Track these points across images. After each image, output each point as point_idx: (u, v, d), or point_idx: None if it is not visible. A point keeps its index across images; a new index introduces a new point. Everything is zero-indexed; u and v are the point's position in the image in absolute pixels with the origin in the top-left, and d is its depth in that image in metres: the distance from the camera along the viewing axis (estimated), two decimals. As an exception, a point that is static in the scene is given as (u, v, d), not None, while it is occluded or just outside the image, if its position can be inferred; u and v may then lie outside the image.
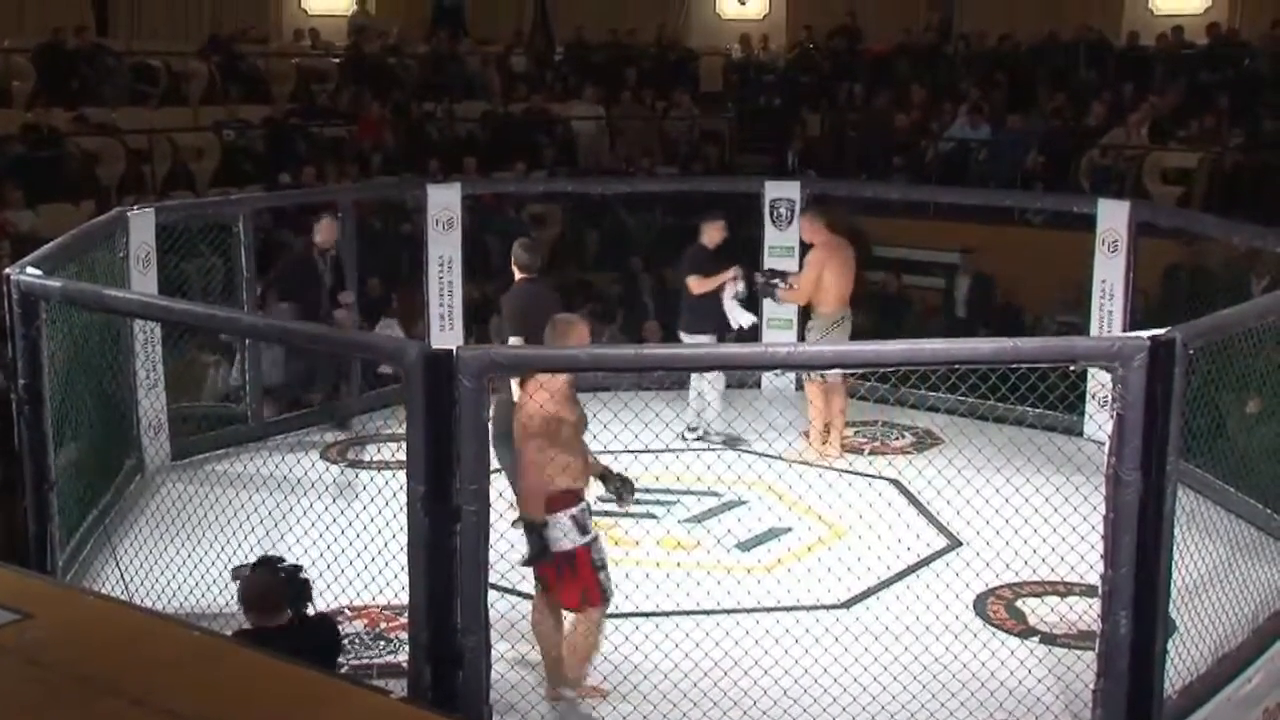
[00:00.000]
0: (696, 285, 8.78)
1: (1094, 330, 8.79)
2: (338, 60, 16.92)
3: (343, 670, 5.53)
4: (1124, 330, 8.37)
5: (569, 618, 5.59)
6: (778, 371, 9.25)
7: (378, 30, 17.97)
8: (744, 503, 7.81)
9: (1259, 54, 15.43)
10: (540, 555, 5.37)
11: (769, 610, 6.32)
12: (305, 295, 8.87)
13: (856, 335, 8.74)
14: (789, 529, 7.47)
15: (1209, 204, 12.55)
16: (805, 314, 8.92)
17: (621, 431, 5.43)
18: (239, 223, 8.79)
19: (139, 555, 6.30)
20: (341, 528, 5.80)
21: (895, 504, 7.74)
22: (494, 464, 4.98)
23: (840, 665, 5.52)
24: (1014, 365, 5.64)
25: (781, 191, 10.00)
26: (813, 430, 8.68)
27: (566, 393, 5.50)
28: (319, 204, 11.80)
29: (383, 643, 6.04)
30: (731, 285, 8.75)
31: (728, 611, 6.23)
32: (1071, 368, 7.75)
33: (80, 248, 7.06)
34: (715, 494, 7.88)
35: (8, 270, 6.09)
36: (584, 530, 5.38)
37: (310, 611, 4.98)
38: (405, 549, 4.74)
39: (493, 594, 4.83)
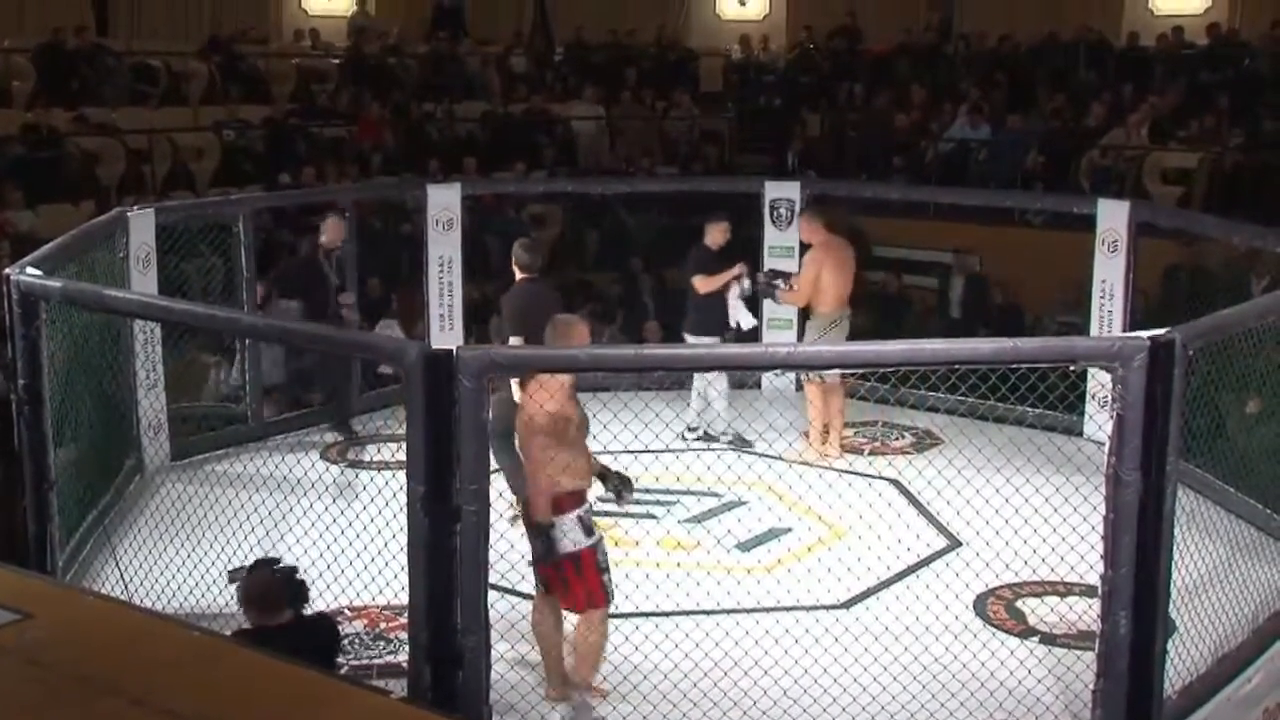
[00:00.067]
0: (702, 285, 8.78)
1: (1094, 330, 8.79)
2: (338, 61, 16.92)
3: (343, 670, 5.53)
4: (1124, 330, 8.37)
5: (570, 619, 5.58)
6: (777, 372, 9.25)
7: (378, 30, 17.97)
8: (744, 503, 7.81)
9: (1259, 54, 15.44)
10: (547, 557, 5.36)
11: (769, 610, 6.32)
12: (311, 295, 8.86)
13: (856, 335, 8.75)
14: (789, 529, 7.47)
15: (1209, 204, 12.55)
16: (805, 314, 8.92)
17: (621, 432, 5.43)
18: (239, 223, 8.79)
19: (139, 555, 6.30)
20: (341, 528, 5.80)
21: (895, 504, 7.75)
22: (492, 464, 4.98)
23: (840, 665, 5.52)
24: (1014, 365, 5.65)
25: (781, 192, 10.00)
26: (812, 431, 8.68)
27: (568, 392, 5.50)
28: (319, 204, 11.88)
29: (382, 643, 6.04)
30: (736, 285, 8.75)
31: (728, 612, 6.23)
32: (1071, 368, 7.75)
33: (80, 248, 7.06)
34: (715, 494, 7.88)
35: (7, 270, 6.08)
36: (589, 531, 5.38)
37: (307, 612, 4.98)
38: (405, 549, 4.74)
39: (492, 594, 4.83)
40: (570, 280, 12.15)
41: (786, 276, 8.83)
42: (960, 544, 7.11)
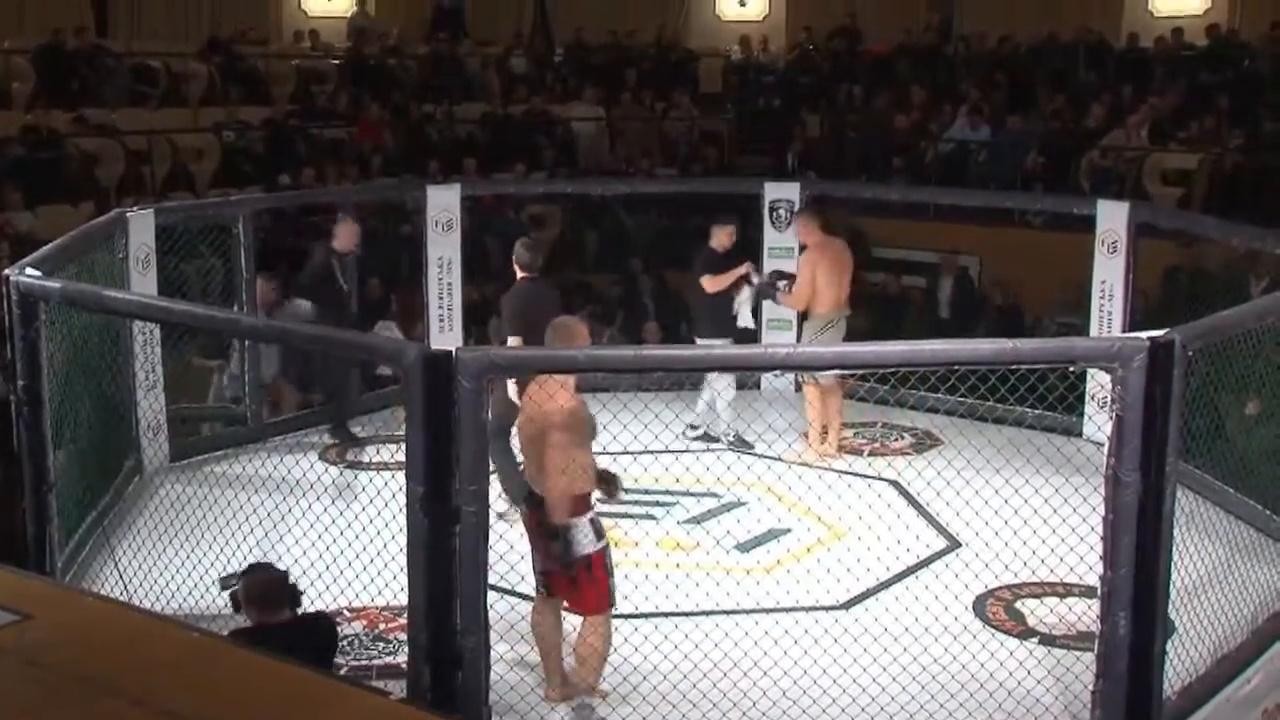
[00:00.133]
0: (710, 285, 8.80)
1: (1093, 331, 8.78)
2: (337, 62, 16.92)
3: (342, 671, 5.54)
4: (1123, 331, 8.37)
5: (569, 620, 5.58)
6: (777, 373, 9.25)
7: (378, 32, 17.98)
8: (743, 504, 7.81)
9: (1259, 55, 15.45)
10: (566, 559, 5.35)
11: (768, 611, 6.32)
12: (324, 299, 8.85)
13: (855, 336, 8.75)
14: (788, 530, 7.47)
15: (1209, 205, 12.55)
16: (804, 315, 8.92)
17: (621, 432, 5.43)
18: (238, 224, 8.79)
19: (138, 556, 6.30)
20: (340, 529, 5.80)
21: (894, 505, 7.74)
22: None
23: (839, 666, 5.53)
24: (1013, 366, 5.65)
25: (781, 193, 10.00)
26: (811, 431, 8.68)
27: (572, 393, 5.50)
28: (319, 205, 11.89)
29: (382, 644, 6.03)
30: (746, 285, 8.78)
31: (727, 612, 6.23)
32: (1071, 369, 7.76)
33: (80, 249, 7.06)
34: (715, 495, 7.88)
35: (7, 271, 6.08)
36: (600, 534, 5.38)
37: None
38: (404, 550, 4.74)
39: (492, 595, 4.83)
40: (570, 281, 12.15)
41: (790, 278, 8.84)
42: (960, 545, 7.11)
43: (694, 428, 8.95)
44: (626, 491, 5.87)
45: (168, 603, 5.90)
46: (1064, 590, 6.42)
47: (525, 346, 6.88)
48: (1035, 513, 6.05)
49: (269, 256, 10.37)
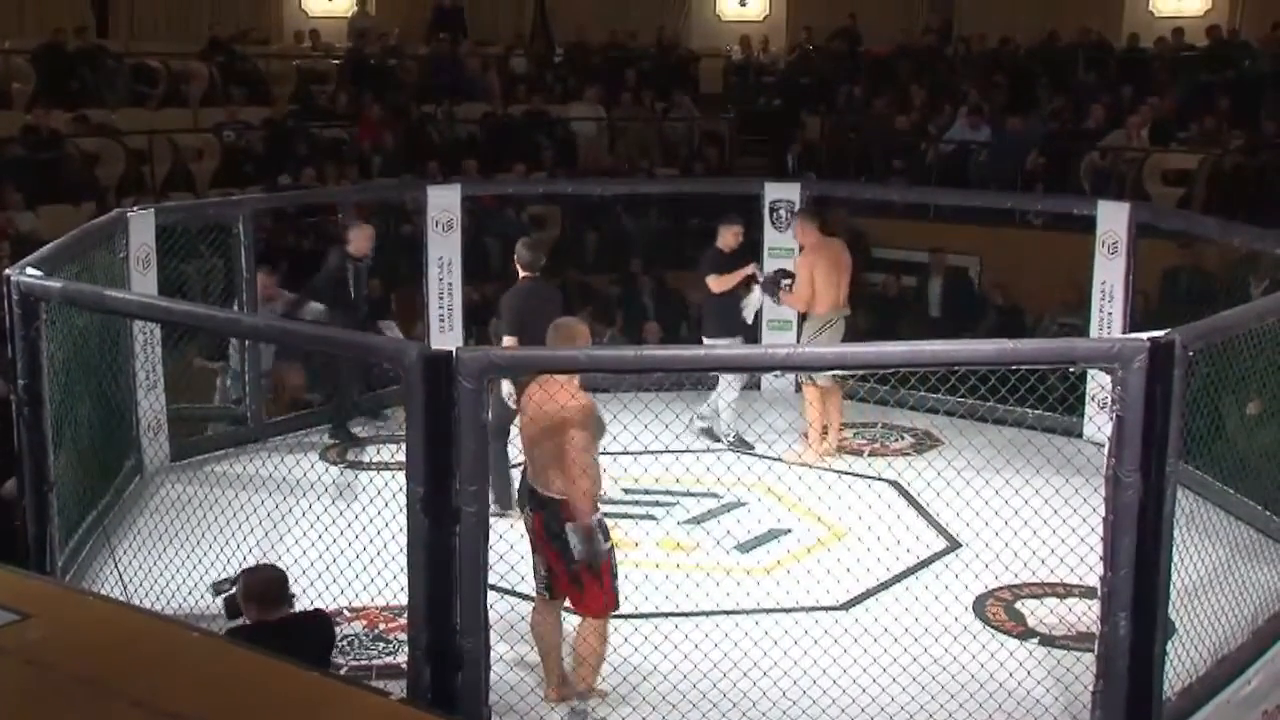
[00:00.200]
0: (716, 284, 8.82)
1: (1094, 332, 8.79)
2: (338, 62, 16.92)
3: (342, 671, 5.54)
4: (1124, 332, 8.37)
5: (568, 621, 5.57)
6: (777, 373, 9.26)
7: (378, 32, 17.97)
8: (743, 504, 7.81)
9: (1259, 56, 15.45)
10: (591, 558, 5.33)
11: (768, 612, 6.31)
12: (337, 302, 8.85)
13: (855, 337, 8.75)
14: (788, 530, 7.47)
15: (1209, 206, 12.55)
16: (804, 316, 8.93)
17: (621, 432, 5.43)
18: (239, 224, 8.79)
19: (138, 556, 6.30)
20: (341, 529, 5.80)
21: (895, 505, 7.75)
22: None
23: (839, 667, 5.53)
24: (1014, 367, 5.64)
25: (781, 193, 10.00)
26: (811, 432, 8.68)
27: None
28: (319, 205, 11.89)
29: (382, 644, 6.04)
30: (751, 283, 8.81)
31: (727, 613, 6.23)
32: (1071, 369, 7.76)
33: (80, 249, 7.06)
34: (715, 495, 7.88)
35: (8, 271, 6.08)
36: (607, 536, 5.38)
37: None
38: (405, 550, 4.74)
39: (492, 595, 4.83)
40: (570, 281, 12.15)
41: (793, 277, 8.85)
42: (960, 545, 7.12)
43: (702, 418, 8.96)
44: (626, 491, 5.87)
45: (168, 603, 5.90)
46: (1064, 591, 6.42)
47: (524, 346, 6.87)
48: (1035, 513, 6.05)
49: (270, 256, 10.37)
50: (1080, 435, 8.58)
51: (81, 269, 6.95)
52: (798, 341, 9.04)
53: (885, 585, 6.71)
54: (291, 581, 5.22)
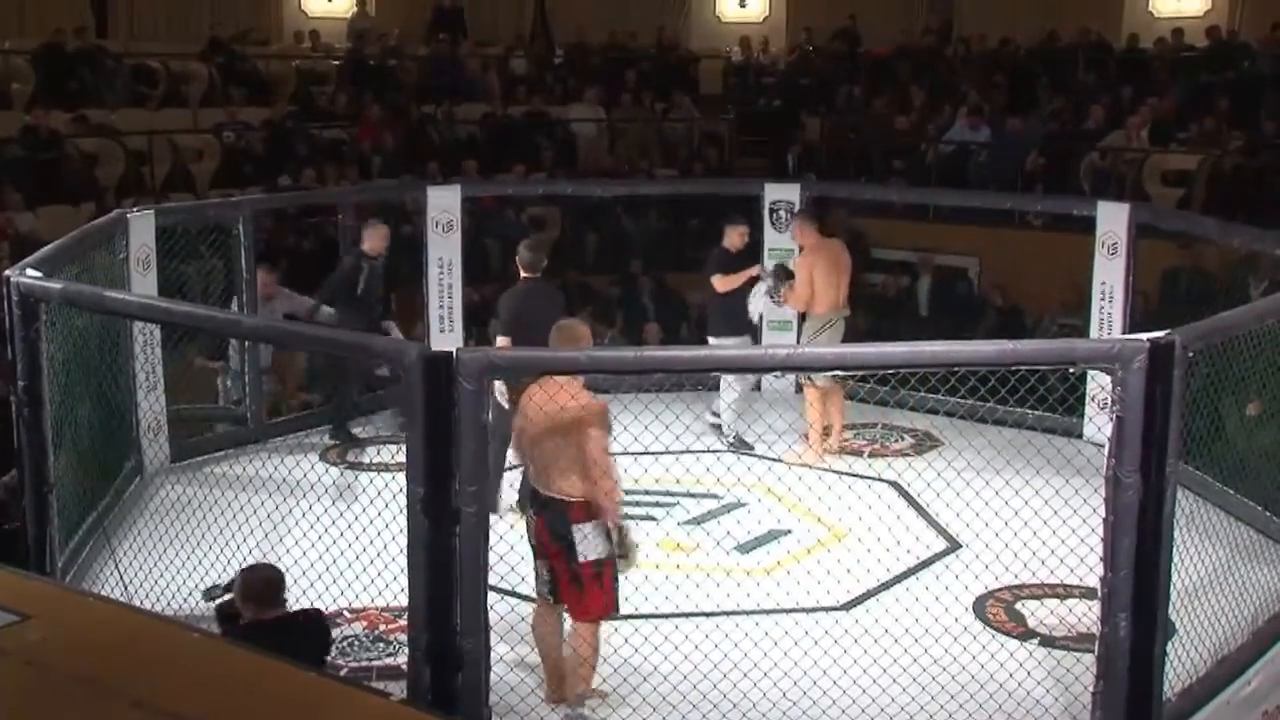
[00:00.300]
0: (721, 284, 8.85)
1: (1093, 332, 8.79)
2: (338, 62, 16.92)
3: (342, 672, 5.54)
4: (1123, 332, 8.37)
5: (567, 623, 5.56)
6: (777, 374, 9.26)
7: (378, 32, 17.96)
8: (743, 505, 7.81)
9: (1259, 56, 15.44)
10: (623, 556, 5.36)
11: (768, 612, 6.31)
12: (349, 304, 8.85)
13: (854, 337, 8.75)
14: (788, 531, 7.47)
15: (1209, 206, 12.55)
16: (804, 316, 8.93)
17: (621, 433, 5.43)
18: (239, 225, 8.79)
19: (138, 557, 6.30)
20: (341, 530, 5.80)
21: (895, 506, 7.75)
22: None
23: (840, 667, 5.53)
24: (1014, 367, 5.64)
25: (781, 194, 10.00)
26: (811, 433, 8.68)
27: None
28: (319, 205, 11.88)
29: (382, 645, 6.03)
30: (761, 283, 8.83)
31: (727, 614, 6.23)
32: (1071, 370, 7.76)
33: (80, 249, 7.06)
34: (715, 496, 7.88)
35: (7, 272, 6.08)
36: (609, 539, 5.38)
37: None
38: (405, 551, 4.74)
39: (492, 596, 4.83)
40: (570, 282, 12.15)
41: (793, 276, 8.86)
42: (960, 546, 7.12)
43: (715, 414, 8.97)
44: (626, 492, 5.87)
45: (168, 603, 5.90)
46: (1064, 592, 6.42)
47: (522, 347, 6.87)
48: (1035, 514, 6.05)
49: (270, 256, 10.37)
50: (1080, 436, 8.58)
51: (81, 270, 6.95)
52: (798, 342, 9.05)
53: (885, 586, 6.71)
54: (292, 583, 5.23)
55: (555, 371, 5.33)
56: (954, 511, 6.81)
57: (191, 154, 13.76)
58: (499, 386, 6.71)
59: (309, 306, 9.15)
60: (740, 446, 8.75)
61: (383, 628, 6.14)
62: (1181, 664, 5.25)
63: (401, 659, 5.48)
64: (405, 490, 4.66)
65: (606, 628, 5.59)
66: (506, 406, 6.62)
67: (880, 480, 8.23)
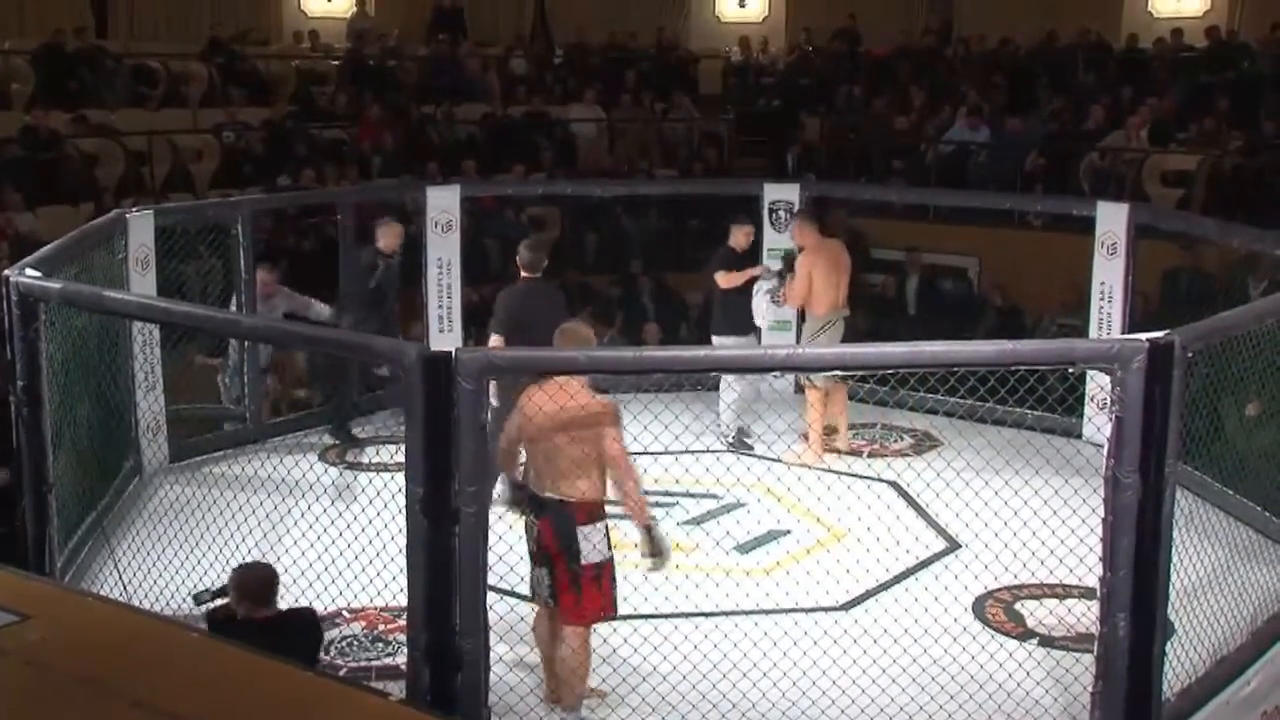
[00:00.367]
0: (724, 280, 8.86)
1: (1093, 333, 8.79)
2: (337, 62, 16.92)
3: (341, 673, 5.54)
4: (1123, 332, 8.38)
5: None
6: (776, 374, 9.26)
7: (377, 33, 17.96)
8: (743, 505, 7.81)
9: (1258, 56, 15.44)
10: (657, 551, 5.40)
11: (768, 613, 6.32)
12: (363, 302, 8.85)
13: (854, 337, 8.75)
14: (788, 531, 7.47)
15: (1208, 207, 12.55)
16: (804, 317, 8.93)
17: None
18: (238, 225, 8.79)
19: (137, 557, 6.30)
20: (340, 530, 5.79)
21: (894, 506, 7.75)
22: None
23: (839, 668, 5.53)
24: (1013, 367, 5.64)
25: (780, 194, 10.01)
26: (812, 434, 8.68)
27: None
28: (319, 205, 11.88)
29: (381, 645, 6.04)
30: (764, 281, 8.83)
31: (727, 614, 6.23)
32: (1070, 370, 7.76)
33: (79, 249, 7.06)
34: (714, 496, 7.88)
35: (7, 272, 6.08)
36: (610, 541, 5.37)
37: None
38: (404, 551, 4.74)
39: (491, 596, 4.83)
40: (569, 282, 12.15)
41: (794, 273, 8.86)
42: (959, 546, 7.12)
43: (738, 418, 8.99)
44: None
45: (167, 603, 5.90)
46: (1063, 592, 6.42)
47: (519, 347, 6.85)
48: (1035, 514, 6.06)
49: (270, 256, 10.37)
50: (1079, 436, 8.58)
51: (80, 270, 6.95)
52: (797, 342, 9.05)
53: (885, 586, 6.71)
54: (291, 582, 5.24)
55: (554, 371, 5.33)
56: (953, 512, 6.81)
57: (191, 154, 13.76)
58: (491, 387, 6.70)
59: (327, 314, 9.15)
60: (740, 447, 8.75)
61: (382, 628, 6.14)
62: (1181, 664, 5.25)
63: (401, 659, 5.48)
64: (405, 490, 4.66)
65: (606, 628, 5.59)
66: (496, 404, 6.60)
67: (879, 480, 8.23)
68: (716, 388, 9.07)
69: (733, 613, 6.26)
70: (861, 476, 8.28)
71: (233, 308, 8.69)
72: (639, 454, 6.56)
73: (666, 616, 6.00)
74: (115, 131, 13.48)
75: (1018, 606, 6.47)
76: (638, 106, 17.16)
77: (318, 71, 16.76)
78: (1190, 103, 14.91)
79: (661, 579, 6.43)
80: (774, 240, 9.86)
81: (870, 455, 8.73)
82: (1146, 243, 9.00)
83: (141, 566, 6.19)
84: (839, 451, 8.66)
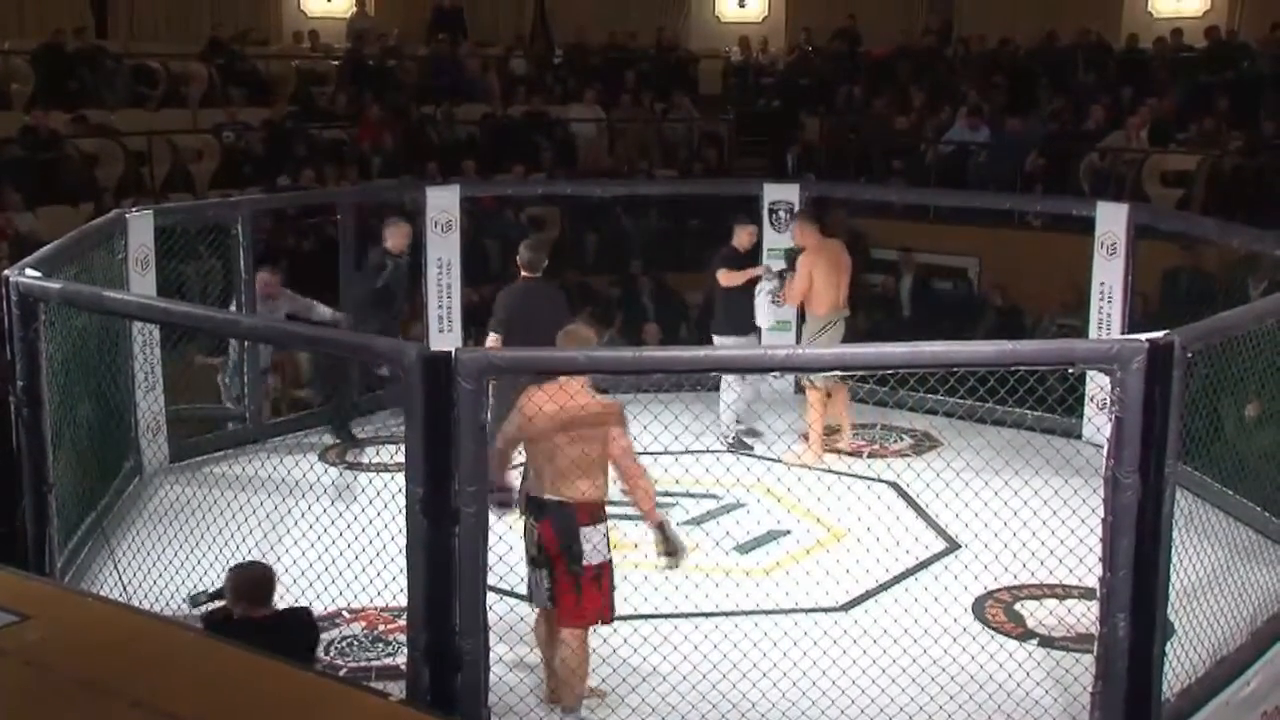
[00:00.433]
0: (726, 279, 8.88)
1: (1093, 333, 8.79)
2: (337, 63, 16.92)
3: (341, 673, 5.54)
4: (1123, 333, 8.38)
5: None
6: (776, 374, 9.27)
7: (377, 33, 17.96)
8: (743, 505, 7.81)
9: (1258, 56, 15.44)
10: (673, 549, 5.41)
11: (768, 613, 6.32)
12: (379, 302, 8.85)
13: (854, 338, 8.76)
14: (788, 531, 7.47)
15: (1208, 207, 12.55)
16: (804, 317, 8.93)
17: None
18: (238, 225, 8.79)
19: (137, 557, 6.30)
20: (340, 530, 5.80)
21: (894, 507, 7.75)
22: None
23: (839, 668, 5.53)
24: (1013, 368, 5.65)
25: (780, 194, 10.01)
26: (812, 434, 8.68)
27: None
28: (318, 206, 11.88)
29: (381, 645, 6.04)
30: (766, 281, 8.84)
31: (726, 614, 6.23)
32: (1070, 370, 7.76)
33: (79, 250, 7.06)
34: (714, 496, 7.88)
35: (7, 272, 6.08)
36: (610, 543, 5.37)
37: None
38: (404, 551, 4.74)
39: (491, 596, 4.83)
40: (569, 282, 12.15)
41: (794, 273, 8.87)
42: (959, 546, 7.12)
43: (738, 422, 8.99)
44: (624, 493, 5.86)
45: (167, 604, 5.90)
46: (1063, 592, 6.42)
47: (519, 346, 6.85)
48: (1034, 514, 6.06)
49: (271, 257, 10.37)
50: (1079, 436, 8.58)
51: (80, 270, 6.95)
52: (798, 343, 9.05)
53: (885, 586, 6.71)
54: (291, 583, 5.24)
55: (554, 372, 5.33)
56: (953, 512, 6.81)
57: (191, 154, 13.76)
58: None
59: (338, 319, 9.15)
60: (739, 447, 8.75)
61: (382, 628, 6.14)
62: (1180, 664, 5.25)
63: (400, 659, 5.48)
64: (405, 490, 4.66)
65: (605, 629, 5.58)
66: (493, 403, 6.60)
67: (879, 481, 8.23)
68: (716, 388, 9.07)
69: (733, 613, 6.26)
70: (861, 477, 8.28)
71: (232, 308, 8.68)
72: (639, 454, 6.57)
73: (666, 616, 6.00)
74: (115, 131, 13.48)
75: (1017, 607, 6.47)
76: (637, 107, 17.16)
77: (318, 71, 16.76)
78: (1190, 103, 14.90)
79: (661, 579, 6.44)
80: (774, 240, 9.86)
81: (870, 455, 8.73)
82: (1146, 243, 9.00)
83: (141, 567, 6.19)
84: (841, 451, 8.66)
